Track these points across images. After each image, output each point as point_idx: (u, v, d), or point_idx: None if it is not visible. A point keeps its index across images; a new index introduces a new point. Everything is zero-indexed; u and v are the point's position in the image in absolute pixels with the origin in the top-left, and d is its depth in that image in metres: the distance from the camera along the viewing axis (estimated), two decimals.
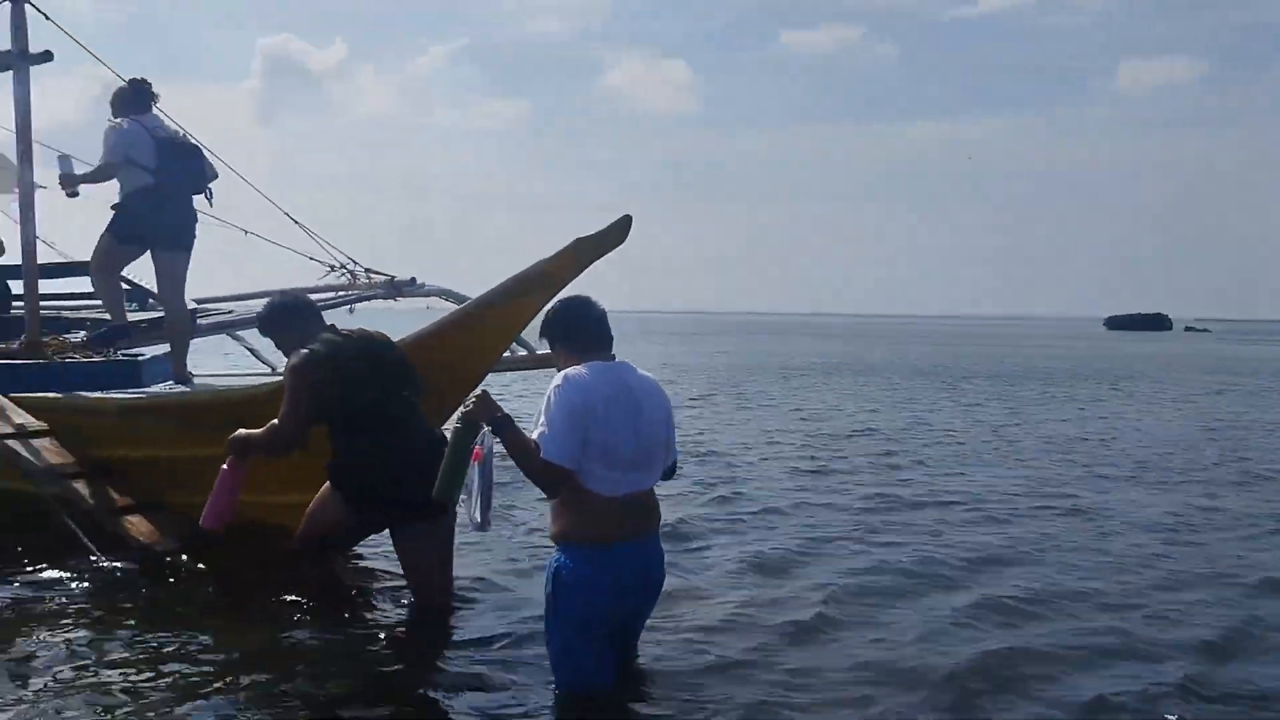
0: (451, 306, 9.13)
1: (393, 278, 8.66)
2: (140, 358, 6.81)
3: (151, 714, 3.54)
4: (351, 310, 8.74)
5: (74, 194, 6.72)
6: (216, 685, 3.81)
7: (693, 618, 4.63)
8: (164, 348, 7.07)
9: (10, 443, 5.72)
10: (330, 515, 4.55)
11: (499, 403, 3.47)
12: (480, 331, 4.72)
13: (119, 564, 5.19)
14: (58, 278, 8.85)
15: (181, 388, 6.45)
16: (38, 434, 5.90)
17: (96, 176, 6.58)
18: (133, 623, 4.53)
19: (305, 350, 4.39)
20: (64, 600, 4.83)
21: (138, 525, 5.40)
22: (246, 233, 8.90)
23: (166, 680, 3.85)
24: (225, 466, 4.55)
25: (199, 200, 6.70)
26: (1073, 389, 20.85)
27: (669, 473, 3.76)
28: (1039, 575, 5.62)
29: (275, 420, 4.39)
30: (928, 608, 4.94)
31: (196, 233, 6.67)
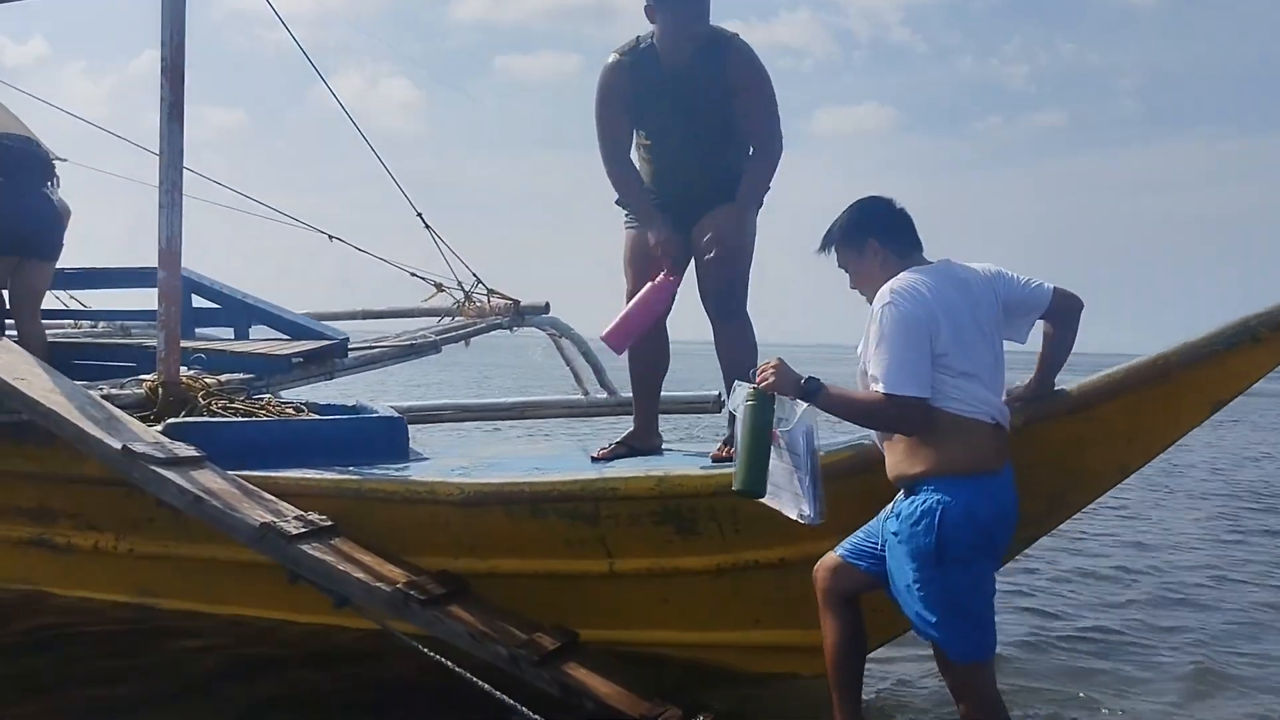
0: (555, 340, 7.34)
1: (517, 303, 6.73)
2: (375, 414, 4.65)
3: None
4: (467, 344, 6.73)
5: None
6: None
7: None
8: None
9: (308, 548, 3.58)
10: None
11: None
12: (1172, 396, 3.51)
13: None
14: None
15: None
16: (326, 531, 3.77)
17: None
18: None
19: None
20: None
21: (587, 678, 3.47)
22: (331, 238, 6.70)
23: None
24: (655, 281, 3.95)
25: None
26: None
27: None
28: None
29: None
30: None
31: None
